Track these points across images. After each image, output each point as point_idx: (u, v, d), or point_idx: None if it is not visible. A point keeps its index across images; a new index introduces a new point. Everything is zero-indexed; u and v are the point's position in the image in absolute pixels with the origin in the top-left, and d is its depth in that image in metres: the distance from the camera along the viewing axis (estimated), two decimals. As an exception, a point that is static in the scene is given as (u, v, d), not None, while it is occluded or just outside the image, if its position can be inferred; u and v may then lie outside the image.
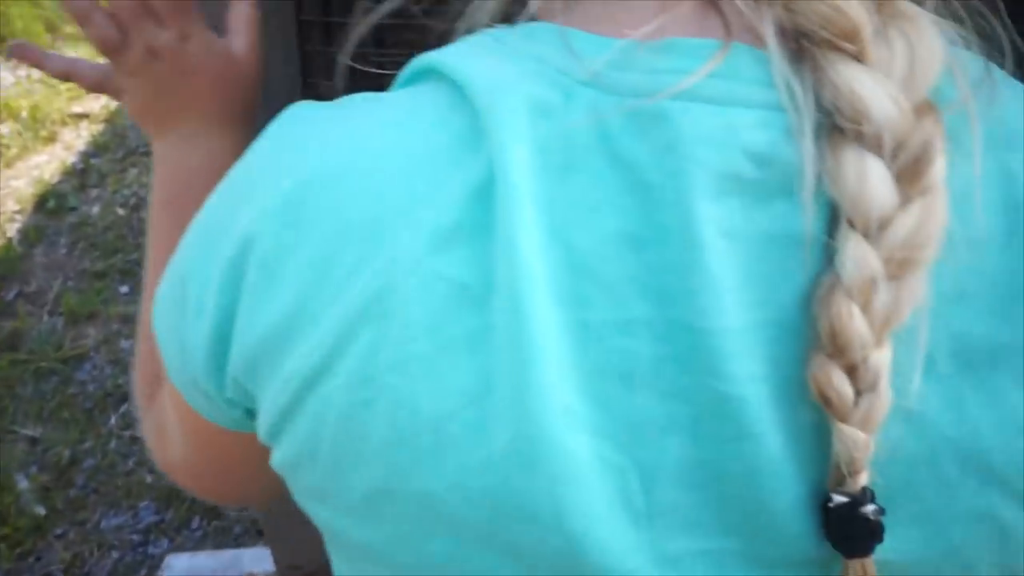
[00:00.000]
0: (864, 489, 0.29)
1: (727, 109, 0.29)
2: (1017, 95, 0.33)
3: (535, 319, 0.28)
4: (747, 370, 0.29)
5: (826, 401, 0.29)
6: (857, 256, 0.28)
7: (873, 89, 0.28)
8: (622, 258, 0.29)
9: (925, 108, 0.29)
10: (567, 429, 0.29)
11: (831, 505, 0.29)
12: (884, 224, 0.28)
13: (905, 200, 0.28)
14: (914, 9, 0.30)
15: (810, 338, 0.29)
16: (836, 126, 0.28)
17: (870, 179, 0.28)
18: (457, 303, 0.29)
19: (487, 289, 0.29)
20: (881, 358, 0.29)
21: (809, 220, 0.29)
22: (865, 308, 0.28)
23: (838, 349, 0.28)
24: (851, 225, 0.28)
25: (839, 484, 0.29)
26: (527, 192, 0.28)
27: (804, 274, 0.29)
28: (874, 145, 0.28)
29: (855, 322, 0.28)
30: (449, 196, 0.29)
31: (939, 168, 0.28)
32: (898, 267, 0.28)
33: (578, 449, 0.29)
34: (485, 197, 0.29)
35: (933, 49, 0.29)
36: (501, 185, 0.28)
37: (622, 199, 0.29)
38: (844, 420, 0.29)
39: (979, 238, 0.30)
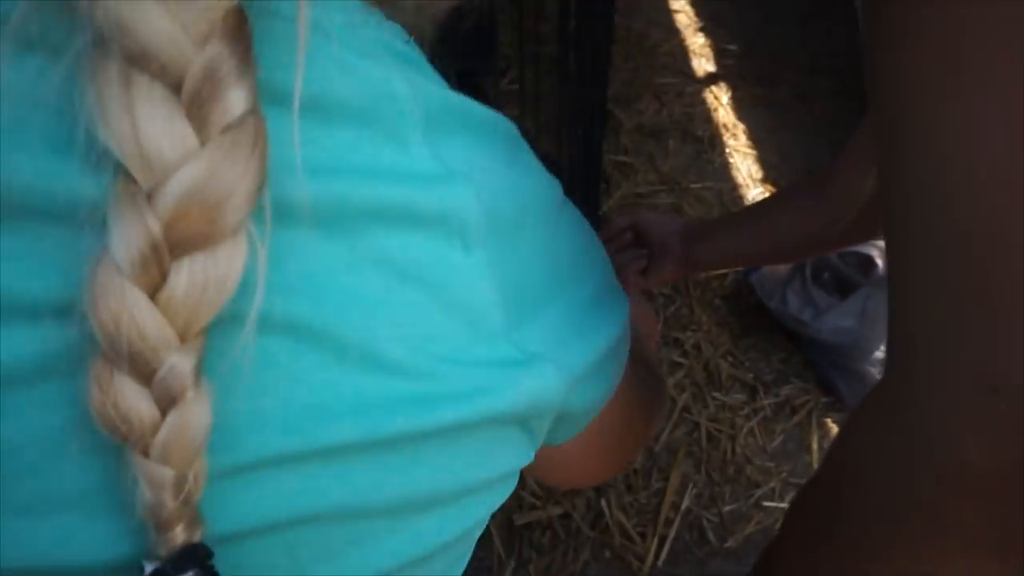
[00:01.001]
0: (187, 550, 0.22)
1: None
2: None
3: None
4: None
5: (112, 429, 0.21)
6: (130, 217, 0.20)
7: None
8: None
9: (225, 17, 0.21)
10: None
11: None
12: (166, 173, 0.20)
13: (204, 141, 0.21)
14: None
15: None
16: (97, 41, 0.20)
17: (139, 109, 0.20)
18: None
19: None
20: (182, 360, 0.21)
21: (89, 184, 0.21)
22: (154, 291, 0.21)
23: (118, 352, 0.21)
24: (130, 181, 0.20)
25: (159, 545, 0.22)
26: None
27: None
28: (144, 64, 0.20)
29: (137, 311, 0.20)
30: None
31: (236, 102, 0.21)
32: (198, 234, 0.21)
33: None
34: None
35: None
36: None
37: None
38: (143, 452, 0.21)
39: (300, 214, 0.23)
